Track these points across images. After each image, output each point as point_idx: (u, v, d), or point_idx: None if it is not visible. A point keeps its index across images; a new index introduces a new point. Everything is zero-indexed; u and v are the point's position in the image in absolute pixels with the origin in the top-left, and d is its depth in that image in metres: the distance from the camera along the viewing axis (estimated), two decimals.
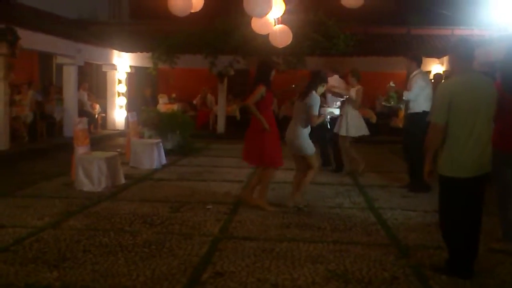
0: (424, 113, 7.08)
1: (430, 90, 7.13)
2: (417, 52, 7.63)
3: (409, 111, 7.27)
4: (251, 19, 7.32)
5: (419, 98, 7.11)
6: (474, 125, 3.83)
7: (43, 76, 15.14)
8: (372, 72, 14.67)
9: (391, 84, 7.94)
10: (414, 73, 7.25)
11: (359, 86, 8.38)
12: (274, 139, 6.02)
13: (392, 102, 7.57)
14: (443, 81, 8.52)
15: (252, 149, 6.11)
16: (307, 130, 6.12)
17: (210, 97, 16.87)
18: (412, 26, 16.58)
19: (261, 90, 5.94)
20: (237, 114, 16.25)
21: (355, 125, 8.32)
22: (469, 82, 3.90)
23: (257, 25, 7.34)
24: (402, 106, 7.62)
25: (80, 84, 14.01)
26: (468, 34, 14.73)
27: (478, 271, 3.99)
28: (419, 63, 7.31)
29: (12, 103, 10.70)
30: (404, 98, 7.26)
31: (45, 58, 14.85)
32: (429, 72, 14.07)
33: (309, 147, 6.09)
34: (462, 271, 3.91)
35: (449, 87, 3.96)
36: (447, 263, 4.03)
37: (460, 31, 15.53)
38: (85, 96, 14.30)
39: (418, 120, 7.15)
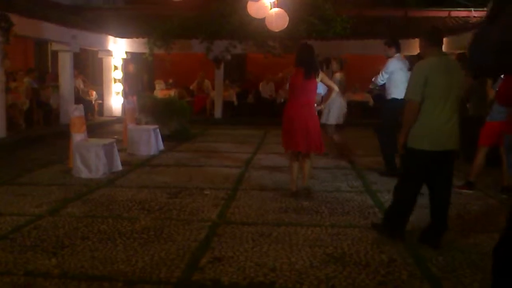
0: (393, 100, 6.93)
1: (401, 76, 6.88)
2: (394, 36, 7.53)
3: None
4: (247, 3, 7.27)
5: (389, 84, 7.00)
6: (445, 103, 4.06)
7: (39, 63, 15.05)
8: (369, 55, 14.62)
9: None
10: (391, 57, 7.15)
11: (342, 74, 8.43)
12: None
13: (371, 86, 7.56)
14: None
15: (312, 136, 5.79)
16: None
17: (207, 82, 16.80)
18: (409, 8, 16.48)
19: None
20: (234, 99, 16.23)
21: (341, 113, 8.42)
22: (443, 63, 4.12)
23: (253, 9, 7.29)
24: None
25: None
26: (466, 16, 14.67)
27: (475, 252, 4.02)
28: (397, 48, 7.20)
29: (7, 90, 10.65)
30: (372, 80, 7.22)
31: (40, 45, 14.74)
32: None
33: None
34: (396, 232, 4.36)
35: (425, 65, 4.15)
36: (385, 222, 4.46)
37: (457, 13, 15.45)
38: (79, 82, 14.24)
39: (388, 107, 7.09)
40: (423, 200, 5.76)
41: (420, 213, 5.24)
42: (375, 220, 4.88)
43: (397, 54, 7.16)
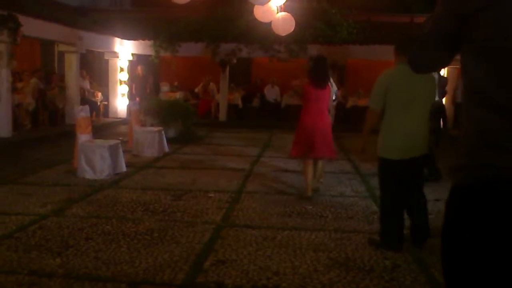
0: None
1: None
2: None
3: None
4: (253, 6, 7.29)
5: None
6: (408, 111, 4.08)
7: (45, 64, 15.10)
8: (375, 60, 14.62)
9: None
10: None
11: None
12: None
13: None
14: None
15: (328, 141, 6.07)
16: None
17: (212, 85, 16.83)
18: (415, 14, 16.49)
19: None
20: (239, 102, 16.24)
21: None
22: (406, 71, 4.03)
23: (259, 12, 7.31)
24: None
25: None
26: None
27: None
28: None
29: (14, 90, 10.70)
30: None
31: (47, 46, 14.80)
32: None
33: None
34: (392, 243, 4.23)
35: (386, 75, 4.21)
36: (379, 235, 4.33)
37: None
38: (86, 83, 14.30)
39: None
40: (428, 206, 5.76)
41: None
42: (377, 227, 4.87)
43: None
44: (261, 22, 8.02)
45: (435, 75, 7.22)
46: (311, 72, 6.00)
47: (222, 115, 15.66)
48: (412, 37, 1.59)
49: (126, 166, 7.53)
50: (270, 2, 7.01)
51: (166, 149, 9.42)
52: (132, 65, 15.98)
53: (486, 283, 1.43)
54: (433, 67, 1.76)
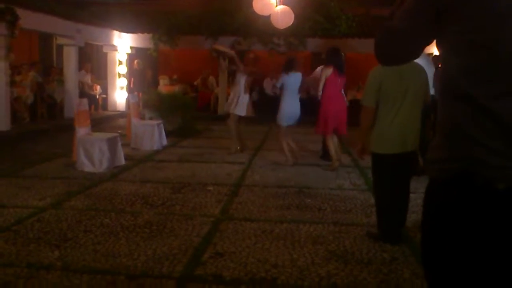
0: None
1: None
2: None
3: None
4: (252, 0, 7.27)
5: None
6: (400, 106, 4.08)
7: (43, 57, 15.06)
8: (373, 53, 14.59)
9: None
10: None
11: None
12: None
13: None
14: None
15: (345, 121, 7.34)
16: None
17: (211, 78, 16.79)
18: None
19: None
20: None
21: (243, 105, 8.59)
22: (396, 67, 3.99)
23: (258, 6, 7.29)
24: None
25: (82, 65, 13.96)
26: None
27: None
28: None
29: (12, 84, 10.67)
30: None
31: (46, 39, 14.75)
32: (431, 54, 13.99)
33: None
34: (391, 238, 4.23)
35: (378, 72, 4.16)
36: (379, 230, 4.34)
37: None
38: (88, 77, 14.26)
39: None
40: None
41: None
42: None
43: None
44: (260, 15, 8.01)
45: (432, 68, 7.22)
46: (331, 61, 7.03)
47: (221, 109, 15.63)
48: (380, 31, 1.54)
49: (125, 159, 7.53)
50: None
51: (165, 142, 9.42)
52: (131, 58, 15.94)
53: (465, 276, 1.44)
54: (404, 60, 1.76)
